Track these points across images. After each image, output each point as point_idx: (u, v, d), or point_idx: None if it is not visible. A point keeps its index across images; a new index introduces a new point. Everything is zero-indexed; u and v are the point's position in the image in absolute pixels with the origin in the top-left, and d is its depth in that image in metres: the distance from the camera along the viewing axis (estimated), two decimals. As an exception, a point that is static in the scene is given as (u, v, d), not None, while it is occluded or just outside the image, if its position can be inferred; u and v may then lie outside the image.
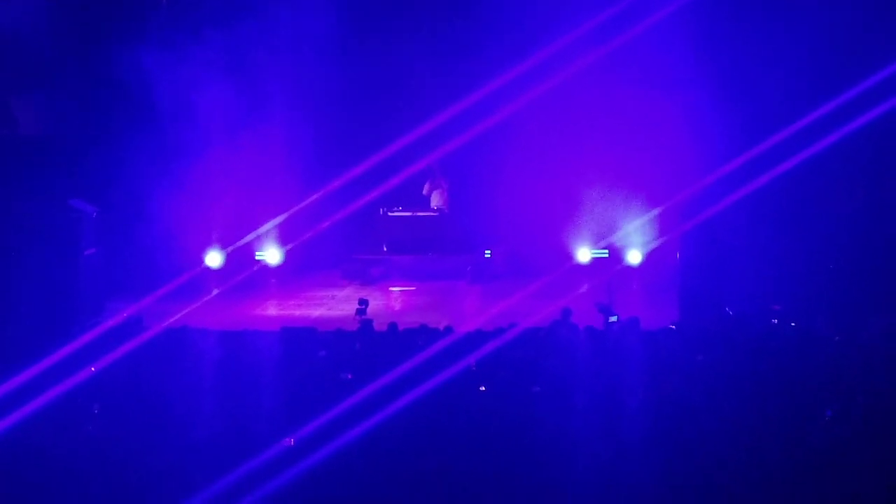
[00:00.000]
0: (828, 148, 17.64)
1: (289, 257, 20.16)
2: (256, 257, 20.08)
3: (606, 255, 19.45)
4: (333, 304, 19.29)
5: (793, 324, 14.91)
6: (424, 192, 21.37)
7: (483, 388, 12.13)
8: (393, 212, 21.23)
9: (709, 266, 17.91)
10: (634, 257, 19.14)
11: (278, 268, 20.16)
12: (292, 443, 11.04)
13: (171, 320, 15.98)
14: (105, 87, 19.90)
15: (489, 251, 20.74)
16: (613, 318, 15.22)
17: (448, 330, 14.49)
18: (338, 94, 20.50)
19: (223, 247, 19.70)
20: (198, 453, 10.91)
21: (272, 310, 19.13)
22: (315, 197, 19.64)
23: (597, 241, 19.51)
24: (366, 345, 14.29)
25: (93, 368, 12.68)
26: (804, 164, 17.64)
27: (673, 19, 18.66)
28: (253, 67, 19.82)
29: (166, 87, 19.44)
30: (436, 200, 21.37)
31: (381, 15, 20.83)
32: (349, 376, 12.62)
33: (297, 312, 18.84)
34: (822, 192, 18.68)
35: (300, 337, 14.62)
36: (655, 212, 18.96)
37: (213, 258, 19.59)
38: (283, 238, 20.04)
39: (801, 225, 18.45)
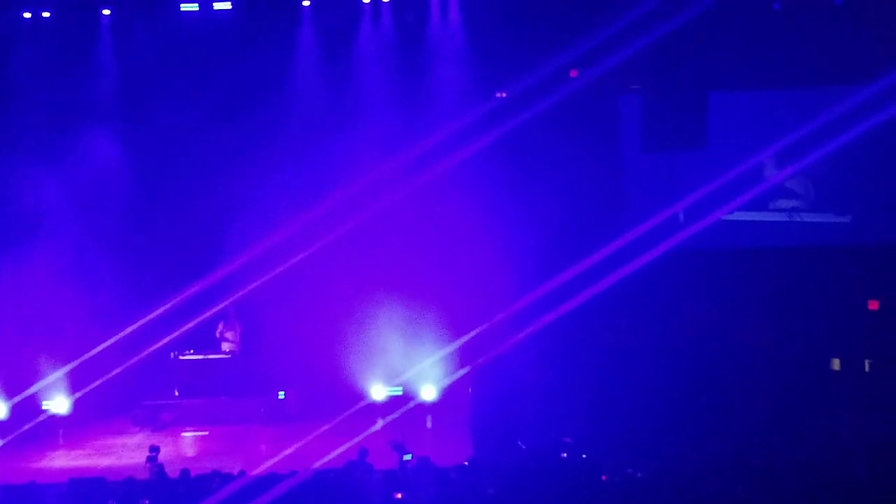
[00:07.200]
0: (608, 288, 18.30)
1: (77, 405, 19.69)
2: (43, 407, 19.56)
3: (401, 393, 19.57)
4: (124, 453, 18.84)
5: (584, 455, 15.21)
6: (217, 333, 21.16)
7: None
8: (184, 355, 20.97)
9: (501, 401, 18.20)
10: (429, 394, 19.30)
11: (66, 417, 19.66)
12: None
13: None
14: None
15: (283, 392, 20.62)
16: (408, 457, 15.29)
17: (242, 474, 14.34)
18: (128, 237, 20.32)
19: (8, 397, 19.17)
20: None
21: (60, 461, 18.58)
22: (104, 345, 19.30)
23: (391, 378, 19.62)
24: (158, 493, 14.01)
25: None
26: (588, 303, 18.23)
27: (473, 158, 19.17)
28: (42, 205, 19.56)
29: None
30: (227, 344, 21.17)
31: (168, 150, 20.78)
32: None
33: (87, 462, 18.34)
34: (604, 328, 19.31)
35: (89, 488, 14.25)
36: (449, 348, 19.20)
37: (-2, 409, 19.06)
38: (72, 386, 19.58)
39: (587, 359, 18.97)
